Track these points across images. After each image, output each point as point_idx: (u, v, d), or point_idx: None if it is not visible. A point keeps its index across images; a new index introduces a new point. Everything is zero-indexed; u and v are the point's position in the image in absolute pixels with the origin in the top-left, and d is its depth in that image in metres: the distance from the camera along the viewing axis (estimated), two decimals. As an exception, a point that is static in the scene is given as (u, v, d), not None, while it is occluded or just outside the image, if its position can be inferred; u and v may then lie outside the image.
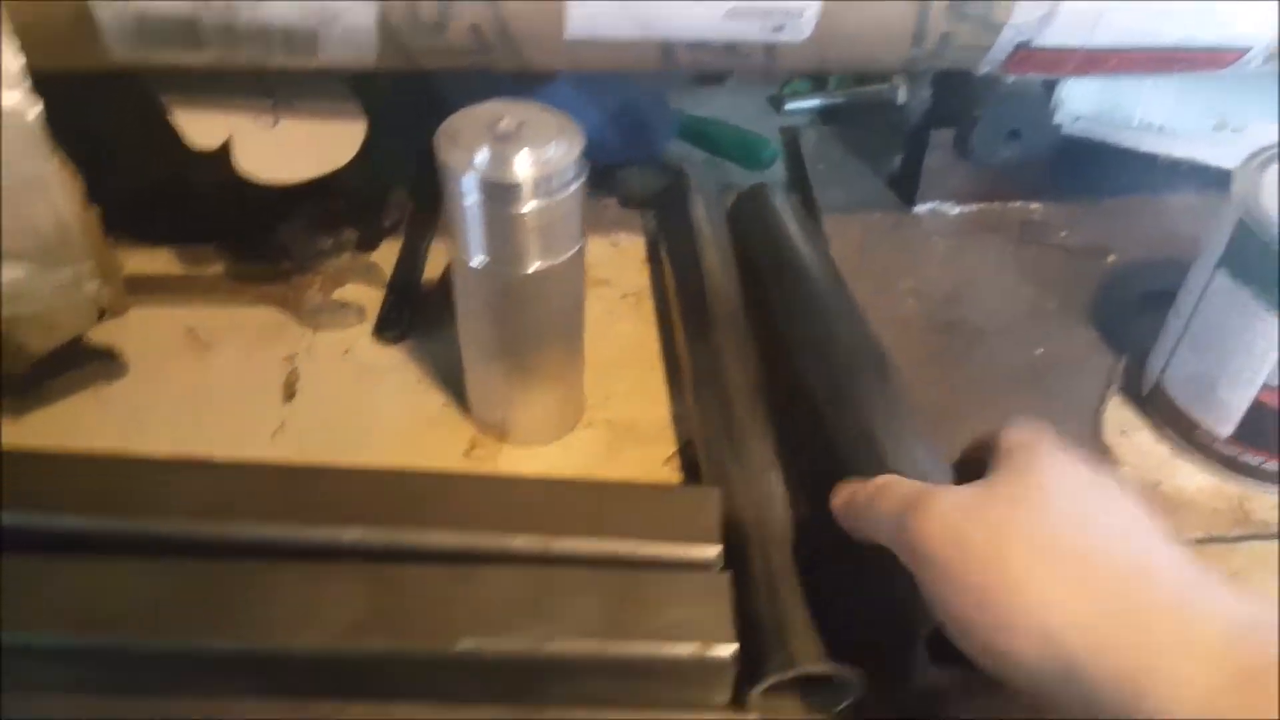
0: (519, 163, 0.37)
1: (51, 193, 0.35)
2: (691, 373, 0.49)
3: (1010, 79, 0.55)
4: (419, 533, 0.38)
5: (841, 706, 0.36)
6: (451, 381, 0.50)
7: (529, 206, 0.38)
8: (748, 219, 0.57)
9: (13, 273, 0.37)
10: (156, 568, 0.36)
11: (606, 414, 0.50)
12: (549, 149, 0.38)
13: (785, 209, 0.56)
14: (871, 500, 0.34)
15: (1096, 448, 0.49)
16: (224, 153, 0.45)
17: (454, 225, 0.40)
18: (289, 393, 0.49)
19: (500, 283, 0.41)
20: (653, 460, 0.47)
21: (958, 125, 0.58)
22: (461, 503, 0.39)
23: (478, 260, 0.40)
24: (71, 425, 0.47)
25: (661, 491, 0.44)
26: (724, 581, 0.36)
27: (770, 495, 0.40)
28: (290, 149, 0.44)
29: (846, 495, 0.36)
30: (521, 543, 0.37)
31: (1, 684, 0.34)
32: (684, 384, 0.49)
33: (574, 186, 0.39)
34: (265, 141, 0.45)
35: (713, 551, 0.37)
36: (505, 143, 0.37)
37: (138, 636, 0.34)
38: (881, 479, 0.34)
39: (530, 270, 0.40)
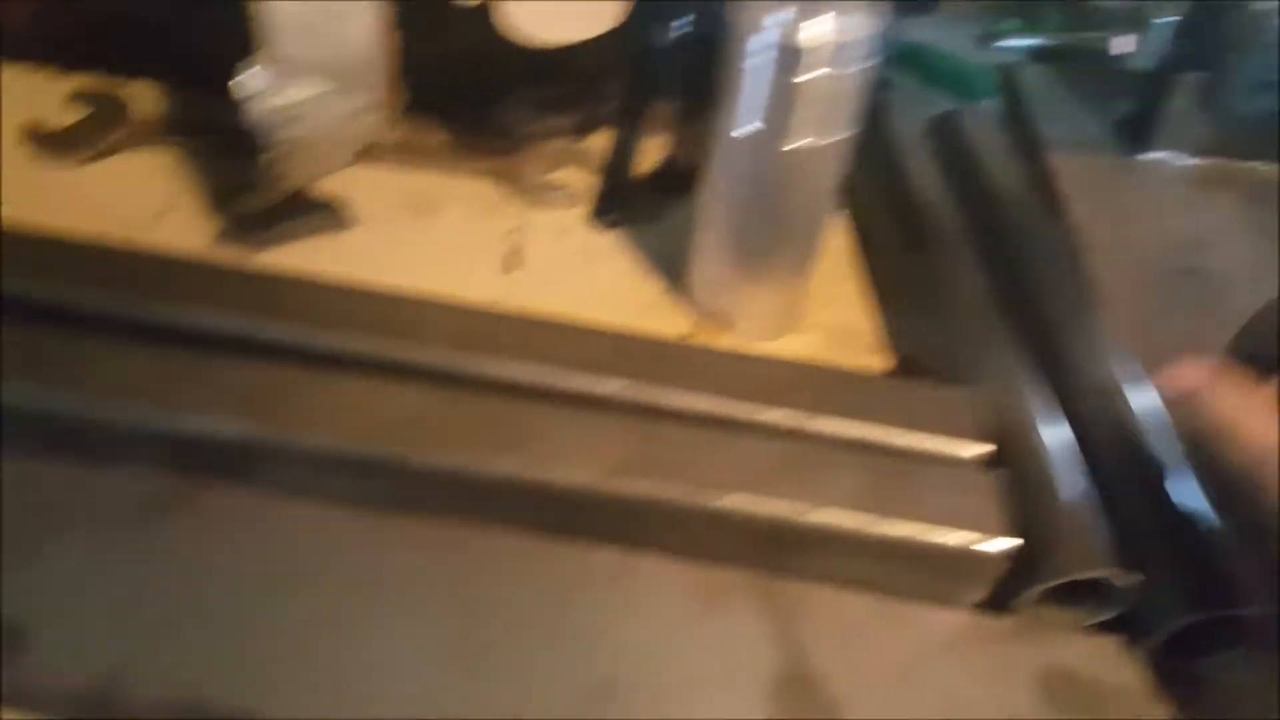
0: (817, 26, 0.36)
1: (368, 12, 0.35)
2: (911, 286, 0.48)
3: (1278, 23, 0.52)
4: (676, 394, 0.37)
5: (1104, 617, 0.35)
6: (668, 271, 0.49)
7: (816, 75, 0.37)
8: (947, 141, 0.55)
9: (304, 91, 0.37)
10: (427, 392, 0.36)
11: (823, 319, 0.49)
12: (851, 18, 0.37)
13: (989, 136, 0.55)
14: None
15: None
16: (483, 10, 0.45)
17: (729, 90, 0.39)
18: (510, 265, 0.49)
19: (764, 156, 0.40)
20: (872, 371, 0.46)
21: (1210, 70, 0.55)
22: (716, 372, 0.38)
23: (747, 129, 0.39)
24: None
25: (923, 388, 0.42)
26: (995, 479, 0.35)
27: (1025, 405, 0.39)
28: (556, 10, 0.44)
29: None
30: (779, 416, 0.37)
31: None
32: (895, 297, 0.48)
33: (867, 63, 0.38)
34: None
35: (981, 450, 0.36)
36: (805, 4, 0.36)
37: (411, 452, 0.35)
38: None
39: (799, 146, 0.39)
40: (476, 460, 0.35)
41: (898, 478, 0.35)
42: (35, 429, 0.36)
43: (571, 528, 0.36)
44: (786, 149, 0.39)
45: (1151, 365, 0.40)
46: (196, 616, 0.34)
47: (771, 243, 0.43)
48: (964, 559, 0.34)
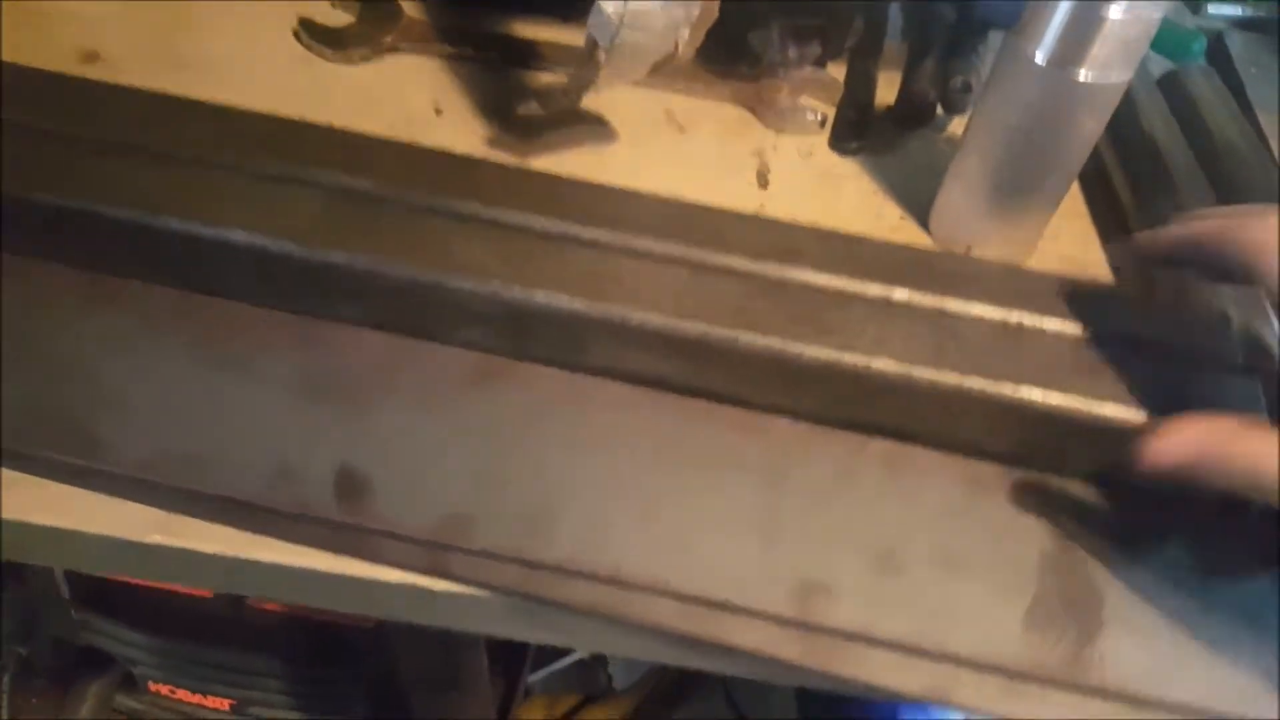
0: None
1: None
2: (1140, 224, 0.51)
3: None
4: (958, 301, 0.41)
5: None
6: (907, 199, 0.53)
7: (1126, 11, 0.40)
8: (1174, 96, 0.58)
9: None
10: (738, 286, 0.41)
11: (1055, 251, 0.52)
12: (1164, -36, 0.40)
13: (1211, 93, 0.57)
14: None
15: None
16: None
17: (1033, 14, 0.42)
18: (762, 181, 0.54)
19: (1055, 86, 0.43)
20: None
21: None
22: (990, 282, 0.42)
23: (1043, 54, 0.42)
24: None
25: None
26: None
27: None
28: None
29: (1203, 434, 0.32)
30: (1056, 324, 0.41)
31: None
32: (1124, 232, 0.51)
33: (1166, 5, 0.41)
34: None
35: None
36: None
37: (732, 333, 0.39)
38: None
39: (1091, 80, 0.42)
40: (790, 342, 0.39)
41: (1175, 379, 0.39)
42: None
43: (873, 414, 0.40)
44: (1080, 80, 0.42)
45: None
46: (520, 475, 0.39)
47: (1033, 177, 0.47)
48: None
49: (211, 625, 0.64)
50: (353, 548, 0.37)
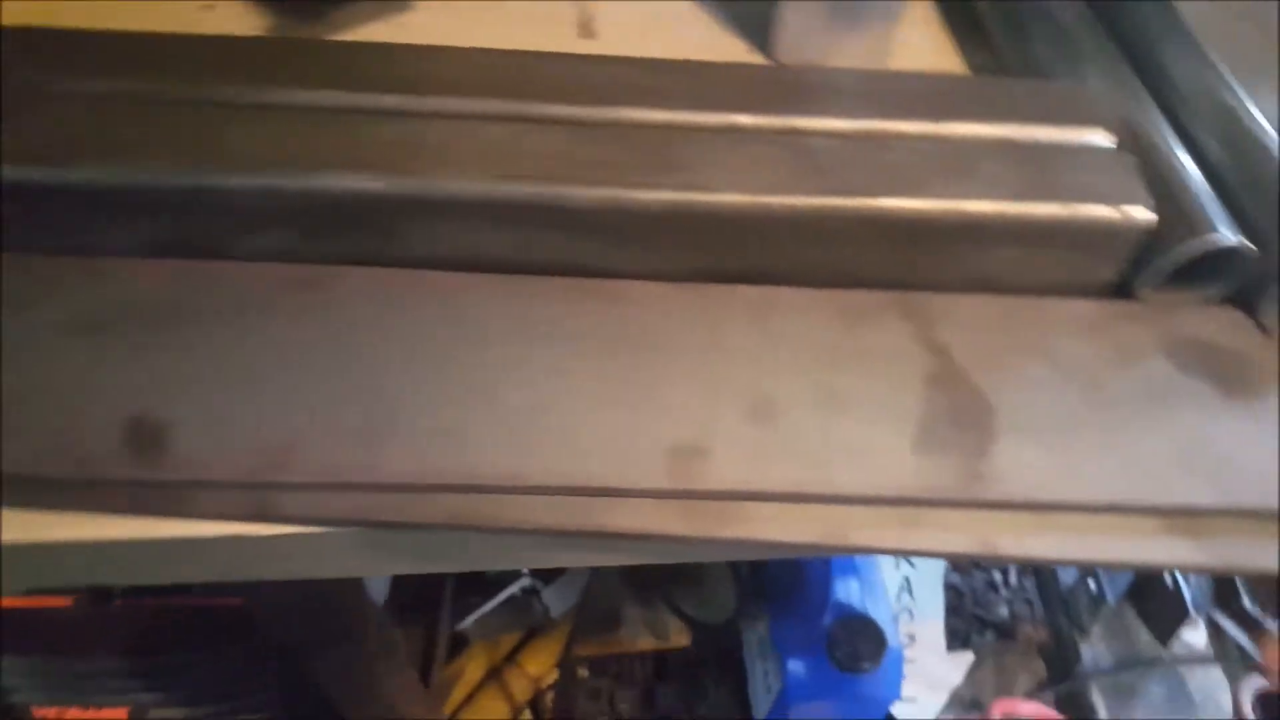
0: None
1: None
2: (1005, 27, 0.48)
3: None
4: (808, 118, 0.37)
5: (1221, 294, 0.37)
6: (750, 31, 0.49)
7: None
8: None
9: None
10: (563, 136, 0.36)
11: (911, 60, 0.48)
12: None
13: None
14: None
15: None
16: None
17: None
18: (586, 31, 0.48)
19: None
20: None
21: None
22: (841, 92, 0.38)
23: None
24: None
25: (1045, 87, 0.42)
26: (1132, 161, 0.36)
27: (1140, 103, 0.40)
28: None
29: None
30: (912, 127, 0.37)
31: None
32: (987, 38, 0.48)
33: None
34: None
35: (1110, 140, 0.37)
36: None
37: (562, 187, 0.34)
38: None
39: None
40: (631, 190, 0.35)
41: (1043, 161, 0.36)
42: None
43: (733, 258, 0.36)
44: None
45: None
46: (346, 391, 0.34)
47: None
48: (1109, 232, 0.35)
49: (79, 633, 0.58)
50: (160, 507, 0.32)
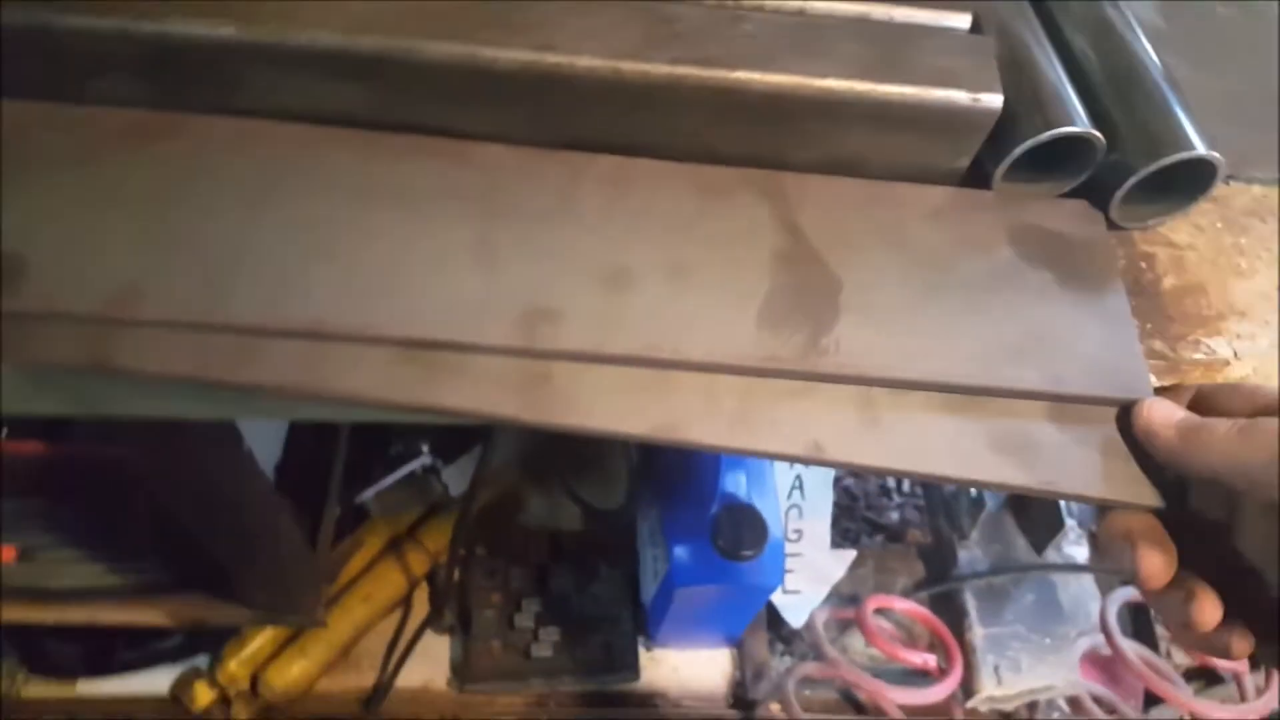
0: None
1: None
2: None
3: None
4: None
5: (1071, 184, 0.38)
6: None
7: None
8: None
9: None
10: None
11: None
12: None
13: None
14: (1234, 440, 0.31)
15: None
16: None
17: None
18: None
19: None
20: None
21: None
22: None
23: None
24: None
25: None
26: (988, 43, 0.37)
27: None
28: None
29: (1182, 425, 0.32)
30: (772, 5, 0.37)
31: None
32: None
33: None
34: None
35: (966, 21, 0.38)
36: None
37: (412, 43, 0.34)
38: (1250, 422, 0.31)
39: None
40: (481, 47, 0.34)
41: (900, 41, 0.36)
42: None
43: (582, 120, 0.36)
44: None
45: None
46: (193, 236, 0.34)
47: None
48: (961, 116, 0.36)
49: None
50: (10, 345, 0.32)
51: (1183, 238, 0.42)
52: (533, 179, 0.37)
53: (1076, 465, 0.34)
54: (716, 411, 0.34)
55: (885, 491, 1.05)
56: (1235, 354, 0.39)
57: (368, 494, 0.85)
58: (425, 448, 0.87)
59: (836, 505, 0.96)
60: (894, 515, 1.03)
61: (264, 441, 0.73)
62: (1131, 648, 0.87)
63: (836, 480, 0.98)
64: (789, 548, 0.90)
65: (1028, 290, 0.37)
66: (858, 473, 1.00)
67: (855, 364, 0.34)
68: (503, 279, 0.35)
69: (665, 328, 0.34)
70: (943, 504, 1.00)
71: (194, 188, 0.35)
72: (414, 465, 0.87)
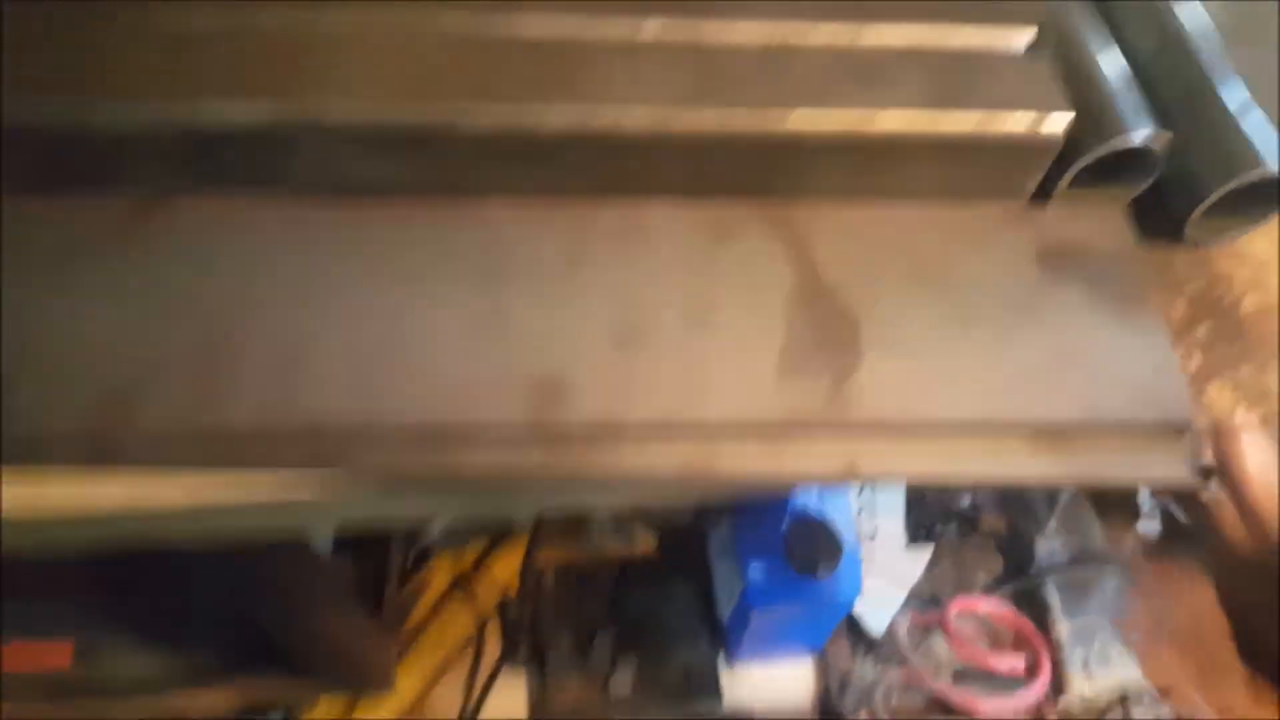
0: None
1: None
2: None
3: None
4: (719, 26, 0.35)
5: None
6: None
7: None
8: None
9: None
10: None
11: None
12: None
13: None
14: None
15: None
16: None
17: None
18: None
19: None
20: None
21: None
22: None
23: None
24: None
25: None
26: (1047, 68, 0.34)
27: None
28: None
29: None
30: (825, 34, 0.35)
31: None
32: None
33: None
34: None
35: (1026, 37, 0.35)
36: None
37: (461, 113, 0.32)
38: None
39: None
40: (542, 106, 0.32)
41: (953, 74, 0.34)
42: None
43: (626, 174, 0.34)
44: None
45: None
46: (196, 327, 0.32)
47: None
48: (1026, 142, 0.33)
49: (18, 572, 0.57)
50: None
51: (1259, 250, 0.38)
52: (540, 234, 0.35)
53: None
54: (750, 443, 0.32)
55: (955, 481, 1.01)
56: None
57: (434, 530, 0.84)
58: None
59: (906, 499, 0.94)
60: (966, 500, 1.00)
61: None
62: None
63: (905, 477, 0.96)
64: (863, 551, 0.87)
65: (1058, 312, 0.35)
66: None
67: (880, 409, 0.32)
68: (509, 346, 0.32)
69: (681, 388, 0.32)
70: (1016, 494, 0.96)
71: (187, 281, 0.33)
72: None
